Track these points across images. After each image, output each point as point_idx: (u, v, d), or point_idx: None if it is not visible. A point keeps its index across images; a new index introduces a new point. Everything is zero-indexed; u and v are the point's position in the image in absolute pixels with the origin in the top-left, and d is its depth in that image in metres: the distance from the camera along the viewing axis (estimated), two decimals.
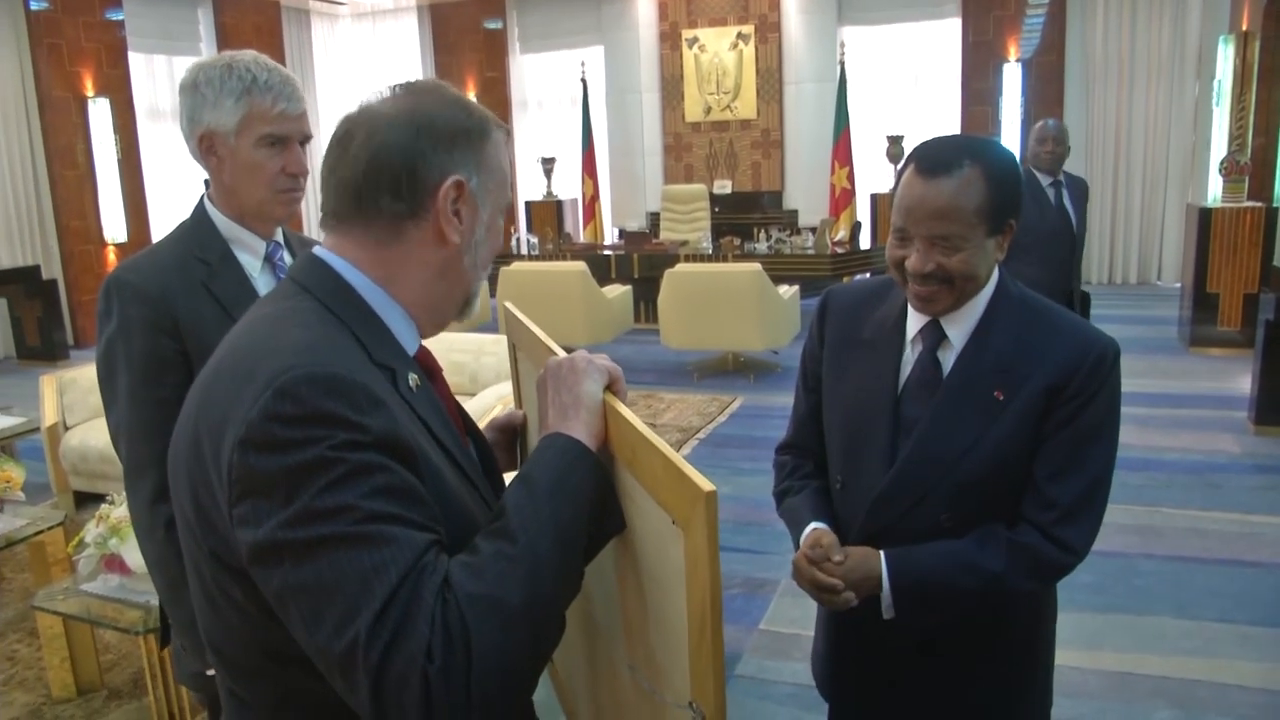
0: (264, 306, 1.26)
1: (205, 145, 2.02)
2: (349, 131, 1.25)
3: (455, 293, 1.32)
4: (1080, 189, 5.35)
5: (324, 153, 1.28)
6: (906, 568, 1.79)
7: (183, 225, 2.13)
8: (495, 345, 5.63)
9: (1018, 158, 1.85)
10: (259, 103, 1.98)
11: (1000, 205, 1.73)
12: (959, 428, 1.79)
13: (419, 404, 1.23)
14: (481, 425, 1.75)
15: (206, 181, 2.11)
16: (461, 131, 1.25)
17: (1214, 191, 8.95)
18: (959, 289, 1.77)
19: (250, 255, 2.10)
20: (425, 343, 1.35)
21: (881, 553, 1.81)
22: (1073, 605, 4.13)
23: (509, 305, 1.86)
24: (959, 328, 1.83)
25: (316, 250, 1.28)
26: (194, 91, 1.99)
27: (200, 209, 2.11)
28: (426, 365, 1.35)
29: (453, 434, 1.30)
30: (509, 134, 1.36)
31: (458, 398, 1.50)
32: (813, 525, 1.95)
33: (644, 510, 1.17)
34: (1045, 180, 5.23)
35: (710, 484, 1.00)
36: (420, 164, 1.22)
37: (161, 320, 1.97)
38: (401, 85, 1.30)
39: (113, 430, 2.05)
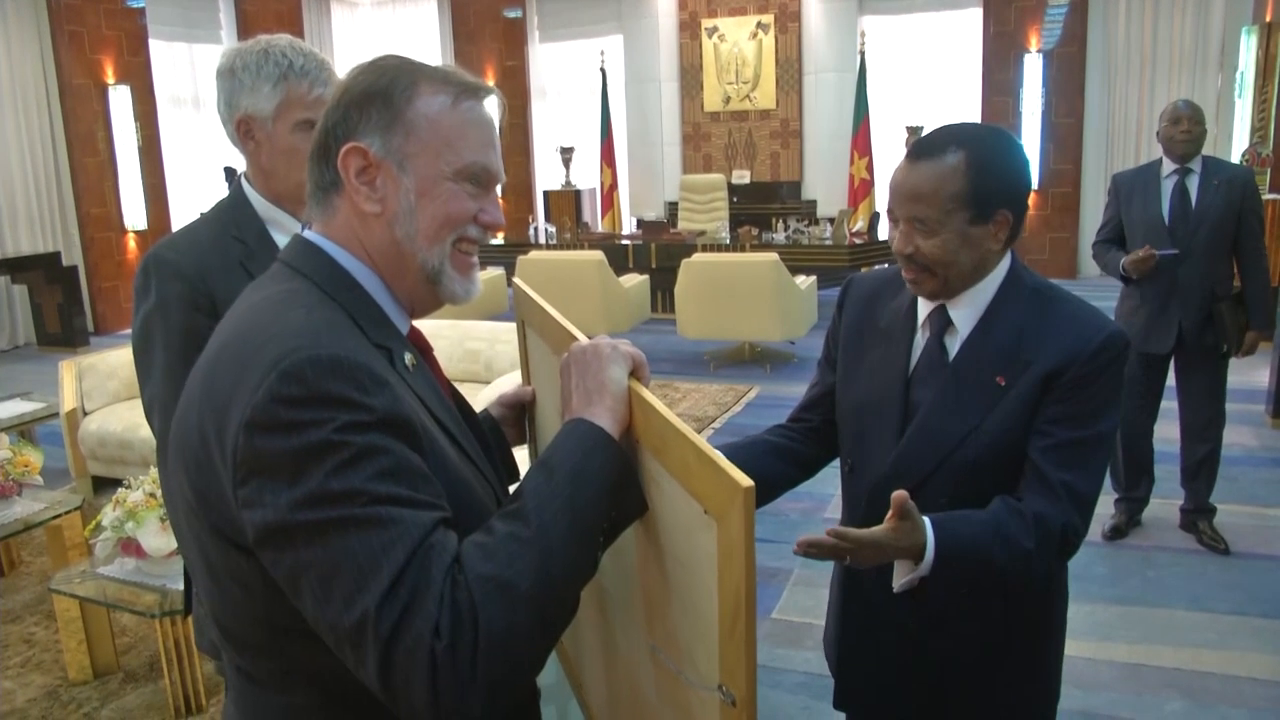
0: (260, 290, 1.27)
1: (243, 130, 2.04)
2: None
3: (410, 269, 1.28)
4: (1229, 177, 4.50)
5: None
6: (949, 536, 1.70)
7: (219, 205, 2.16)
8: (510, 334, 5.63)
9: (1026, 147, 1.83)
10: (296, 87, 2.01)
11: (984, 193, 1.74)
12: (960, 413, 1.80)
13: (416, 383, 1.24)
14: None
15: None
16: (369, 95, 1.24)
17: None
18: (941, 275, 1.79)
19: (286, 236, 2.11)
20: (430, 324, 1.35)
21: (927, 519, 1.69)
22: (1086, 596, 4.13)
23: (519, 282, 1.86)
24: (965, 314, 1.85)
25: (305, 234, 1.30)
26: (231, 77, 2.02)
27: (238, 189, 2.14)
28: (418, 344, 1.36)
29: (449, 411, 1.32)
30: (466, 89, 1.29)
31: (473, 385, 1.50)
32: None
33: (671, 496, 1.17)
34: (1169, 168, 4.52)
35: (749, 479, 1.00)
36: (329, 133, 1.24)
37: (199, 298, 1.99)
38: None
39: (146, 405, 2.07)
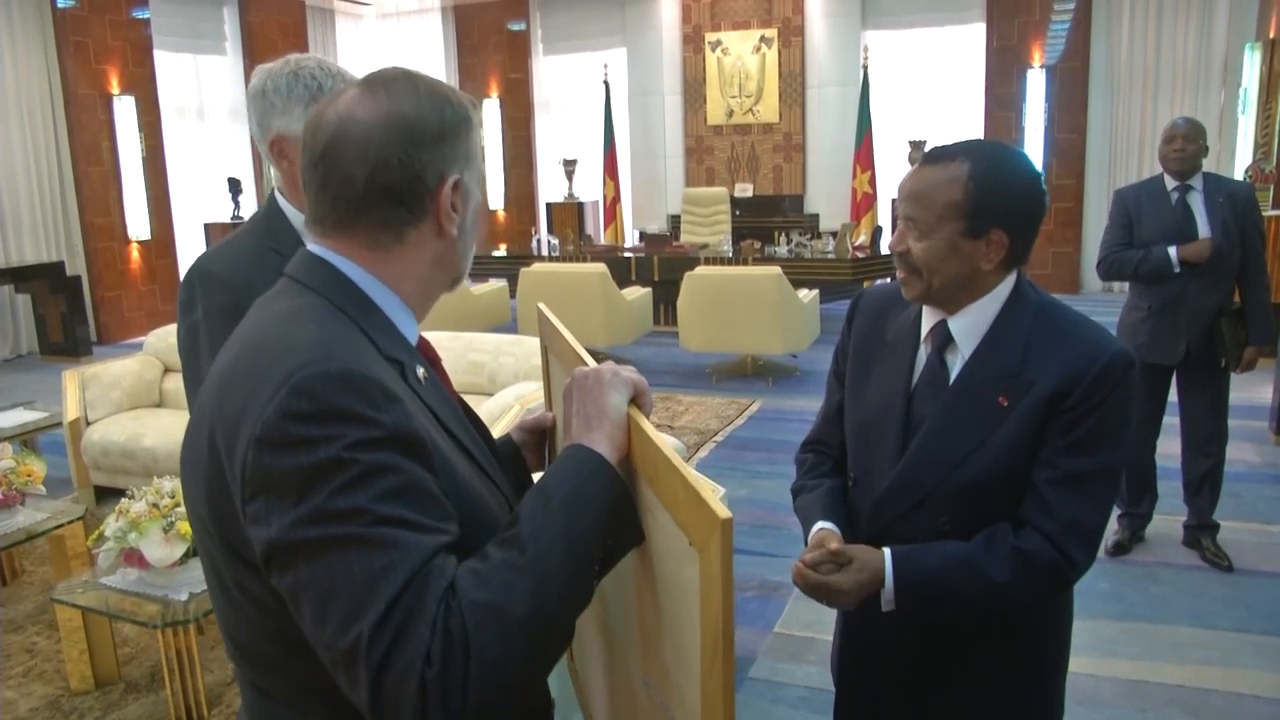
0: (270, 305, 1.27)
1: (277, 149, 2.08)
2: (334, 144, 1.22)
3: (447, 276, 1.34)
4: (1229, 193, 4.53)
5: (303, 161, 1.26)
6: (911, 567, 1.78)
7: (255, 218, 2.21)
8: (513, 346, 5.63)
9: (1039, 166, 1.85)
10: None
11: (980, 208, 1.75)
12: (961, 431, 1.80)
13: (428, 395, 1.24)
14: (500, 426, 1.76)
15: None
16: (449, 129, 1.25)
17: None
18: (926, 279, 1.82)
19: None
20: (433, 337, 1.35)
21: (886, 550, 1.80)
22: (1089, 613, 4.11)
23: (542, 307, 1.84)
24: (966, 331, 1.85)
25: (313, 249, 1.29)
26: (262, 99, 2.06)
27: (272, 203, 2.18)
28: (427, 355, 1.36)
29: (461, 422, 1.32)
30: (477, 105, 1.36)
31: (475, 397, 1.50)
32: (819, 525, 1.96)
33: (664, 526, 1.16)
34: (1171, 183, 4.55)
35: (727, 511, 0.99)
36: (420, 172, 1.23)
37: (244, 308, 2.01)
38: (368, 81, 1.27)
39: None
